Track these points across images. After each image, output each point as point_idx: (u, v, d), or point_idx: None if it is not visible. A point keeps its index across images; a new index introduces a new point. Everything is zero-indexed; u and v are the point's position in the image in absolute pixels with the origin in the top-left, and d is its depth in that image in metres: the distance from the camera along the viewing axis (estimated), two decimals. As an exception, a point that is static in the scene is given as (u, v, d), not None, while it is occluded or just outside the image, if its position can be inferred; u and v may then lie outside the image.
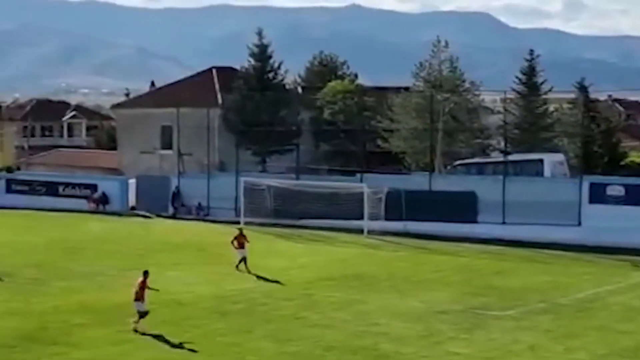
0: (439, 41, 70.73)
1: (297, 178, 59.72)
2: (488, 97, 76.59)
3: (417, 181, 58.38)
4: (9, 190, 69.38)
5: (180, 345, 28.73)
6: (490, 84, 76.57)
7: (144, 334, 29.67)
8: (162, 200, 62.92)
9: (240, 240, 41.28)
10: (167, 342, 29.13)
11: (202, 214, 61.66)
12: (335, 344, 28.94)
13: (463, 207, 54.57)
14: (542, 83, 75.45)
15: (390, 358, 27.61)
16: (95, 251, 47.41)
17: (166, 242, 50.89)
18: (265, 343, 29.12)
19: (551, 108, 75.14)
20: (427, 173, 60.02)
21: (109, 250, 47.55)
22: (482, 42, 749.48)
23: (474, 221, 54.42)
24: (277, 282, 38.89)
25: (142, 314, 30.25)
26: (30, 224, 57.62)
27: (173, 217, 61.67)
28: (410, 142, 68.43)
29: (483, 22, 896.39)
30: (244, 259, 40.95)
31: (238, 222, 56.30)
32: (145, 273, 31.00)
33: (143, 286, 30.61)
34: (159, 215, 61.76)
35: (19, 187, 69.17)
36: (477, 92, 72.17)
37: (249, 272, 40.40)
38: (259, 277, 39.70)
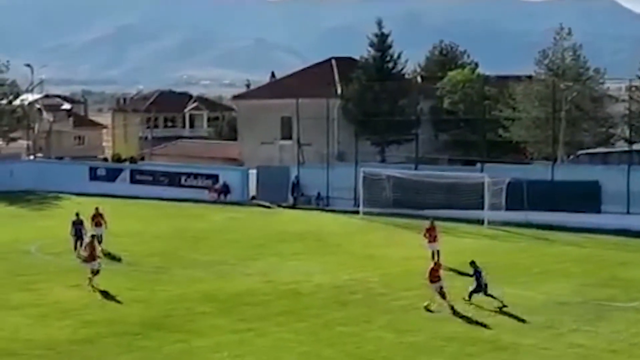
0: (561, 28, 69.42)
1: (417, 168, 59.44)
2: (613, 85, 74.68)
3: (539, 171, 57.45)
4: (133, 180, 70.70)
5: (299, 335, 28.92)
6: (615, 72, 74.72)
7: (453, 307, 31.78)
8: (282, 190, 63.35)
9: (432, 234, 40.44)
10: (287, 331, 29.36)
11: (322, 203, 61.86)
12: (455, 335, 28.74)
13: (586, 198, 53.47)
14: (669, 70, 73.32)
15: (510, 349, 27.29)
16: (217, 241, 48.01)
17: (286, 232, 51.22)
18: (384, 333, 29.09)
19: (679, 96, 72.96)
20: (550, 163, 59.02)
21: (230, 240, 48.10)
22: (606, 29, 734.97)
23: (598, 211, 53.29)
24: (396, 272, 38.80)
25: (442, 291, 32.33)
26: (154, 214, 58.68)
27: (293, 207, 62.00)
28: (532, 132, 67.35)
29: (607, 9, 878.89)
30: (436, 253, 39.63)
31: (357, 212, 56.55)
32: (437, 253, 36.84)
33: (438, 267, 32.94)
34: (279, 205, 62.18)
35: (142, 178, 70.40)
36: (601, 80, 70.59)
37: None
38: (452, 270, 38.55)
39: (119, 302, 33.63)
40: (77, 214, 43.64)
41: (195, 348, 27.52)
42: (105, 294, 34.65)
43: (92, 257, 36.48)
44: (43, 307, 32.67)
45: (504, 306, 31.75)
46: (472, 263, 33.13)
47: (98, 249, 37.66)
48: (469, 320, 30.46)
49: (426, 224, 41.27)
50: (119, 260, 41.29)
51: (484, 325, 29.77)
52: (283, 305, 32.68)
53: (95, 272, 36.04)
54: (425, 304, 31.91)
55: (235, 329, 29.49)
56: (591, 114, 68.40)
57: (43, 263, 41.20)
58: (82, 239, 42.29)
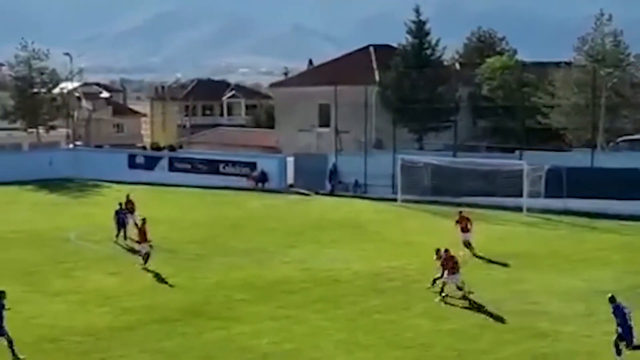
0: (602, 14, 68.72)
1: (455, 155, 59.20)
2: (654, 72, 73.86)
3: (578, 158, 57.04)
4: (171, 168, 70.97)
5: (336, 322, 28.95)
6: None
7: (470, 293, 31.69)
8: (320, 178, 63.36)
9: (463, 223, 39.94)
10: (325, 318, 29.40)
11: (359, 191, 61.83)
12: (493, 323, 28.67)
13: (626, 185, 52.90)
14: None
15: (550, 337, 27.16)
16: (255, 228, 48.12)
17: (324, 219, 51.24)
18: (422, 320, 29.08)
19: None
20: (589, 150, 58.55)
21: (268, 228, 48.19)
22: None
23: (638, 199, 52.81)
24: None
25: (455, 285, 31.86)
26: (192, 202, 58.92)
27: (330, 194, 62.01)
28: (571, 118, 66.76)
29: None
30: (468, 243, 39.44)
31: (395, 200, 56.43)
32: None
33: (455, 258, 32.27)
34: (316, 193, 62.20)
35: (181, 165, 70.68)
36: (641, 66, 69.86)
37: (474, 255, 38.89)
38: (490, 260, 38.54)
39: (158, 289, 33.87)
40: (120, 204, 44.30)
41: (235, 335, 27.65)
42: (146, 281, 34.92)
43: (143, 240, 37.63)
44: (83, 294, 32.97)
45: (442, 293, 31.59)
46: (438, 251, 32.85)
47: (149, 233, 38.10)
48: (508, 308, 30.32)
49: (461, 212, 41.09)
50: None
51: (523, 313, 29.64)
52: (321, 293, 32.74)
53: (146, 256, 37.09)
54: (436, 299, 31.57)
55: (274, 316, 29.59)
56: (631, 100, 67.72)
57: (83, 250, 41.55)
58: (124, 228, 42.95)
